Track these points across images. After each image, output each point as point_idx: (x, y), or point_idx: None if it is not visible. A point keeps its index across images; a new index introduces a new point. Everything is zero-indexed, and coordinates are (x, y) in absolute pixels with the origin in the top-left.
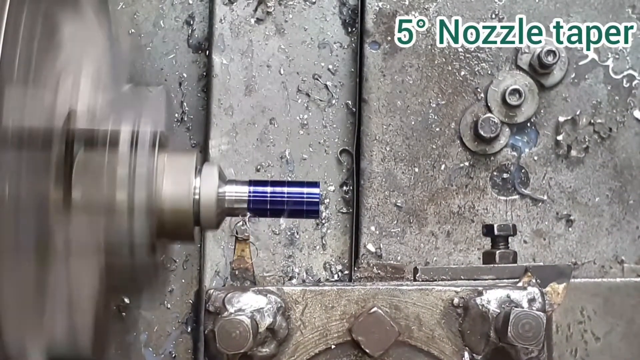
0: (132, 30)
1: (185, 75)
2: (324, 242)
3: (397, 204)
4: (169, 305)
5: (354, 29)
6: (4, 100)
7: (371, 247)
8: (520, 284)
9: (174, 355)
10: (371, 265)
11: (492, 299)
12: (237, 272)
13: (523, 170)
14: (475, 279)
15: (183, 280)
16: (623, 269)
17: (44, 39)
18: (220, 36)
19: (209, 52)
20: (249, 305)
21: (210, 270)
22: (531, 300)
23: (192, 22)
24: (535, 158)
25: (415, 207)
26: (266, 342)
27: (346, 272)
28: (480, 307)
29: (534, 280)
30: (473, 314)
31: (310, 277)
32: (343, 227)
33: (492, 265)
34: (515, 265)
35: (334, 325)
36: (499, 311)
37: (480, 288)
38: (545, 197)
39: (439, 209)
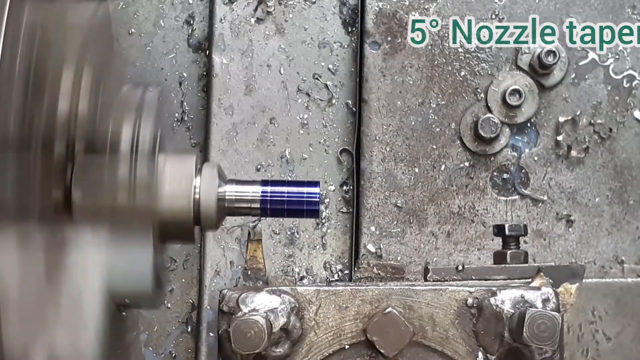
0: (132, 30)
1: (185, 75)
2: (324, 241)
3: (397, 204)
4: (169, 305)
5: (354, 29)
6: (4, 100)
7: (371, 248)
8: (533, 284)
9: (174, 355)
10: (371, 265)
11: (506, 299)
12: (249, 272)
13: (523, 171)
14: (486, 279)
15: (183, 280)
16: (623, 270)
17: (44, 39)
18: (220, 36)
19: (209, 52)
20: (262, 306)
21: (210, 270)
22: (545, 301)
23: (192, 22)
24: (536, 158)
25: (415, 207)
26: (280, 342)
27: (346, 271)
28: (494, 307)
29: (546, 281)
30: (487, 314)
31: (310, 277)
32: (343, 227)
33: (503, 265)
34: (527, 265)
35: (347, 325)
36: (513, 311)
37: (494, 288)
38: (545, 198)
39: (439, 209)
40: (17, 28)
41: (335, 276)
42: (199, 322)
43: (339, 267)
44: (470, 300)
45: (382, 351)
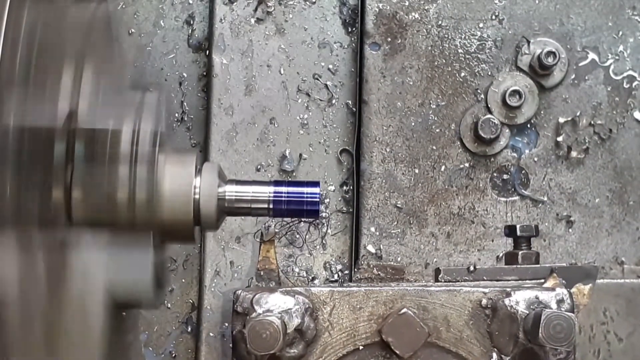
0: (132, 30)
1: (185, 75)
2: (324, 241)
3: (397, 205)
4: (169, 305)
5: (354, 29)
6: (4, 100)
7: (371, 248)
8: (546, 285)
9: (174, 355)
10: (371, 266)
11: (520, 300)
12: (262, 273)
13: (523, 172)
14: (498, 280)
15: (183, 280)
16: (623, 270)
17: (44, 38)
18: (221, 36)
19: (209, 52)
20: (277, 306)
21: (210, 270)
22: (560, 302)
23: (192, 22)
24: (535, 159)
25: (415, 208)
26: (294, 343)
27: (346, 272)
28: (508, 308)
29: (559, 281)
30: (501, 315)
31: (310, 277)
32: (343, 227)
33: (515, 266)
34: (539, 266)
35: (362, 326)
36: (527, 312)
37: (508, 289)
38: (545, 198)
39: (439, 210)
40: (17, 28)
41: (336, 276)
42: (199, 322)
43: (339, 267)
44: (484, 301)
45: (397, 352)
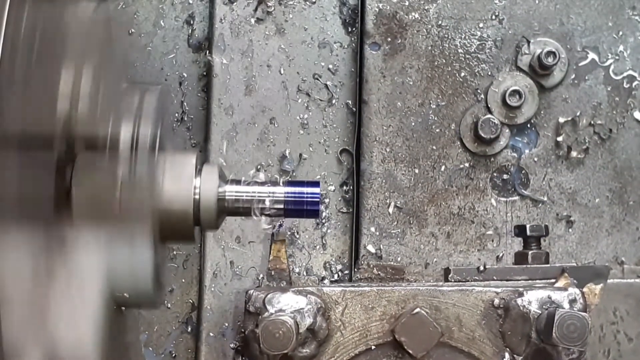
0: (132, 30)
1: (185, 75)
2: (324, 241)
3: (397, 205)
4: (169, 305)
5: (354, 29)
6: (4, 100)
7: (371, 248)
8: (558, 285)
9: (174, 355)
10: (371, 266)
11: (532, 299)
12: (273, 273)
13: (523, 172)
14: (508, 280)
15: (183, 280)
16: (623, 270)
17: (44, 38)
18: (221, 36)
19: (209, 52)
20: (289, 306)
21: (210, 270)
22: (572, 301)
23: (192, 22)
24: (535, 159)
25: (415, 208)
26: (306, 343)
27: (346, 271)
28: (521, 307)
29: (570, 281)
30: (514, 315)
31: (311, 277)
32: (343, 227)
33: (525, 265)
34: (549, 265)
35: (374, 325)
36: (540, 312)
37: (520, 289)
38: (545, 198)
39: (439, 210)
40: (17, 28)
41: (336, 276)
42: (199, 322)
43: (339, 267)
44: (496, 301)
45: (410, 352)
